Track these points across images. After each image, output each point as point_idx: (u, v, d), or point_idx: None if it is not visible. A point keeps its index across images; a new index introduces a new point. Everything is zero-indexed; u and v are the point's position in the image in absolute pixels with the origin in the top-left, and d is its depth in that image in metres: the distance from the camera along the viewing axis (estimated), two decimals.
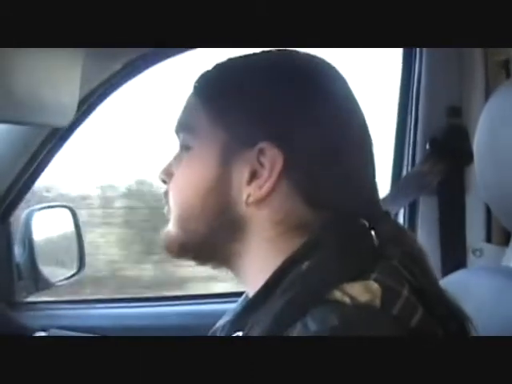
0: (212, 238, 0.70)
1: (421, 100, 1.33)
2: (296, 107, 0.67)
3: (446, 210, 1.33)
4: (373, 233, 0.68)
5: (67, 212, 1.49)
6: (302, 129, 0.67)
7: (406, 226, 1.36)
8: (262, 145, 0.66)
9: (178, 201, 0.72)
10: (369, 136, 0.71)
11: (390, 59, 1.50)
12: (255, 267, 0.69)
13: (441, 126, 1.31)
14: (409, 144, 1.36)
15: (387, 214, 0.71)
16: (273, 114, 0.67)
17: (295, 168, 0.66)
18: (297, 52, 0.72)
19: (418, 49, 1.32)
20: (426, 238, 1.33)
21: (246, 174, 0.67)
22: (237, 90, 0.69)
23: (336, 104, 0.69)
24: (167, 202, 0.74)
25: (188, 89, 0.74)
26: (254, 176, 0.67)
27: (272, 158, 0.66)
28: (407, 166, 1.37)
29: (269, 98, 0.68)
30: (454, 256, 1.30)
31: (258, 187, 0.67)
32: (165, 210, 0.75)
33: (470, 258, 1.30)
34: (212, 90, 0.71)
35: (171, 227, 0.73)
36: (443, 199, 1.33)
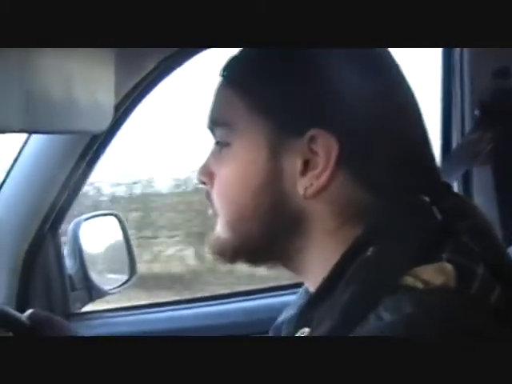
0: (269, 237, 0.65)
1: (465, 65, 1.28)
2: (342, 88, 0.62)
3: (502, 176, 1.28)
4: (436, 208, 0.64)
5: (114, 219, 1.49)
6: (353, 111, 0.62)
7: None
8: (313, 132, 0.62)
9: (225, 203, 0.67)
10: (419, 109, 0.66)
11: None
12: (316, 261, 0.65)
13: (487, 89, 1.26)
14: (456, 112, 1.31)
15: (449, 186, 0.67)
16: (322, 97, 0.62)
17: (351, 153, 0.62)
18: None
19: None
20: (483, 207, 1.28)
21: (298, 165, 0.63)
22: (276, 72, 0.64)
23: (386, 81, 0.65)
24: (211, 205, 0.69)
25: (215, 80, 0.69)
26: (307, 166, 0.62)
27: (326, 146, 0.61)
28: (456, 134, 1.32)
29: (312, 81, 0.63)
30: None
31: (314, 178, 0.62)
32: (209, 213, 0.70)
33: None
34: (246, 76, 0.66)
35: (221, 231, 0.68)
36: (498, 166, 1.28)
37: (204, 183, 0.69)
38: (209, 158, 0.69)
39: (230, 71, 0.67)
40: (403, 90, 0.66)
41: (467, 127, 1.30)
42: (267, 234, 0.65)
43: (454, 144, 1.34)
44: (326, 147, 0.61)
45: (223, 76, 0.68)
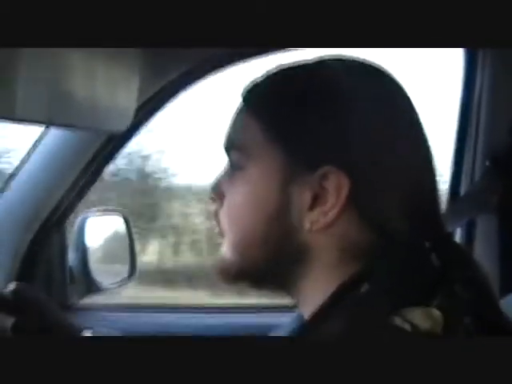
0: (273, 265, 0.67)
1: (482, 115, 1.30)
2: (358, 128, 0.64)
3: (506, 228, 1.29)
4: (434, 255, 0.66)
5: (120, 218, 1.51)
6: (365, 151, 0.63)
7: (463, 245, 1.33)
8: (326, 169, 0.63)
9: (236, 227, 0.68)
10: (432, 156, 0.68)
11: (451, 69, 1.47)
12: (313, 290, 0.66)
13: (502, 143, 1.27)
14: (467, 161, 1.33)
15: (449, 235, 0.69)
16: (335, 136, 0.64)
17: (361, 193, 0.63)
18: (358, 61, 0.68)
19: (480, 59, 1.29)
20: (484, 257, 1.30)
21: (307, 199, 0.64)
22: (296, 105, 0.65)
23: (399, 122, 0.66)
24: (218, 224, 0.70)
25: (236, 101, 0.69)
26: (316, 201, 0.64)
27: (337, 184, 0.62)
28: (465, 183, 1.34)
29: (330, 118, 0.64)
30: None
31: (322, 214, 0.63)
32: (216, 231, 0.71)
33: None
34: (268, 105, 0.67)
35: (227, 252, 0.69)
36: (503, 218, 1.29)
37: (214, 200, 0.71)
38: (221, 177, 0.70)
39: (251, 97, 0.68)
40: (418, 135, 0.67)
41: (476, 177, 1.31)
42: (271, 262, 0.66)
43: (462, 191, 1.35)
44: (337, 185, 0.62)
45: (244, 100, 0.69)
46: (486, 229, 1.31)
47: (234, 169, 0.68)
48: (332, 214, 0.63)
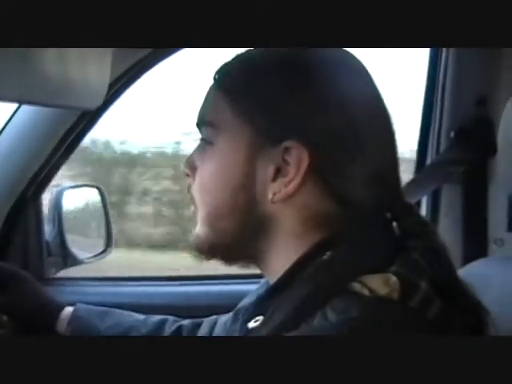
0: (241, 236, 0.71)
1: (447, 89, 1.33)
2: (320, 104, 0.67)
3: (469, 199, 1.33)
4: (395, 225, 0.70)
5: (95, 191, 1.53)
6: (326, 126, 0.67)
7: (428, 214, 1.37)
8: (288, 143, 0.67)
9: (205, 199, 0.72)
10: (392, 127, 0.71)
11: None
12: (279, 259, 0.70)
13: (467, 115, 1.31)
14: (433, 132, 1.36)
15: (410, 206, 0.72)
16: (297, 112, 0.67)
17: (321, 165, 0.67)
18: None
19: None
20: (448, 226, 1.34)
21: (270, 172, 0.68)
22: (262, 85, 0.69)
23: (359, 97, 0.69)
24: (192, 199, 0.74)
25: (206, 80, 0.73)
26: (278, 173, 0.68)
27: (298, 157, 0.66)
28: (431, 154, 1.37)
29: (293, 95, 0.67)
30: (476, 245, 1.31)
31: (283, 185, 0.67)
32: (191, 210, 0.74)
33: (492, 247, 1.31)
34: (236, 84, 0.70)
35: (200, 227, 0.73)
36: (466, 188, 1.33)
37: (188, 175, 0.74)
38: (194, 152, 0.74)
39: (222, 77, 0.72)
40: (378, 110, 0.71)
41: (442, 148, 1.35)
42: (239, 234, 0.70)
43: (428, 161, 1.39)
44: (297, 158, 0.66)
45: (215, 79, 0.72)
46: (450, 199, 1.35)
47: (205, 144, 0.72)
48: (293, 185, 0.67)
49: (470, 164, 1.31)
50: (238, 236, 0.71)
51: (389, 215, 0.70)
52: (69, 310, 1.04)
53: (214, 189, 0.71)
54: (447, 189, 1.36)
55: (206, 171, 0.71)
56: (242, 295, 0.88)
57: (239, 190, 0.69)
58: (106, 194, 1.53)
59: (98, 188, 1.54)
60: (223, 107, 0.70)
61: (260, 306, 0.71)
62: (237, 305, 0.86)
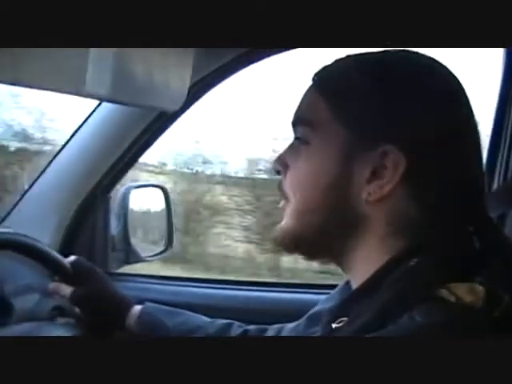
0: (327, 232, 0.73)
1: None
2: (419, 111, 0.69)
3: None
4: (476, 238, 0.71)
5: (160, 192, 1.57)
6: (424, 133, 0.69)
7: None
8: (386, 147, 0.69)
9: (297, 194, 0.74)
10: (480, 140, 0.73)
11: (491, 61, 1.49)
12: (364, 261, 0.72)
13: None
14: (502, 156, 1.36)
15: (492, 220, 0.74)
16: (398, 117, 0.69)
17: (415, 172, 0.69)
18: (417, 53, 0.73)
19: None
20: None
21: (366, 173, 0.70)
22: (363, 89, 0.71)
23: (455, 107, 0.72)
24: (282, 195, 0.76)
25: (302, 82, 0.75)
26: (374, 176, 0.70)
27: (395, 161, 0.69)
28: (498, 178, 1.37)
29: (395, 101, 0.70)
30: None
31: (378, 187, 0.69)
32: (281, 204, 0.76)
33: None
34: (337, 87, 0.73)
35: (287, 220, 0.75)
36: None
37: (278, 172, 0.77)
38: (286, 151, 0.77)
39: (322, 79, 0.75)
40: (471, 127, 0.73)
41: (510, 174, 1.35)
42: (326, 229, 0.73)
43: (495, 186, 1.39)
44: (395, 162, 0.69)
45: (314, 81, 0.75)
46: None
47: (300, 143, 0.75)
48: (387, 188, 0.69)
49: None
50: (323, 232, 0.73)
51: (471, 228, 0.72)
52: (138, 307, 1.10)
53: (308, 186, 0.73)
54: None
55: (300, 169, 0.74)
56: (306, 304, 0.89)
57: (332, 189, 0.71)
58: (169, 194, 1.57)
59: (162, 188, 1.58)
60: (322, 108, 0.72)
61: (345, 307, 0.73)
62: (301, 313, 0.87)
